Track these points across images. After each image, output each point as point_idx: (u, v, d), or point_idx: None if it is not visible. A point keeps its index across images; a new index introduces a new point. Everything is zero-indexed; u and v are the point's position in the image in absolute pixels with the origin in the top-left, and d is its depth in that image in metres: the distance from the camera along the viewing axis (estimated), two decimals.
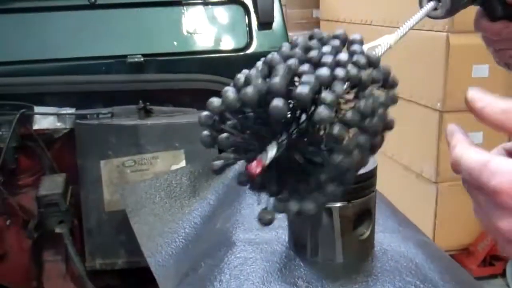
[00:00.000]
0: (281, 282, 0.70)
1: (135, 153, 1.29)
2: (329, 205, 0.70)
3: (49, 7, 1.44)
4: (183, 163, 1.28)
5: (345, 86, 0.46)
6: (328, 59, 0.47)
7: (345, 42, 0.52)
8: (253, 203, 0.96)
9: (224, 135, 0.49)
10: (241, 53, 1.49)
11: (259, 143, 0.48)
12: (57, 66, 1.42)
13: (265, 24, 1.49)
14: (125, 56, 1.41)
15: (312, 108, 0.45)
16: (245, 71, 0.49)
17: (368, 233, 0.73)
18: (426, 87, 2.67)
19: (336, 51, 0.49)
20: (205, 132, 0.49)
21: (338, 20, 3.67)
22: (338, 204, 0.70)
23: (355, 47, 0.50)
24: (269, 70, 0.48)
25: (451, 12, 0.69)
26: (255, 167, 0.46)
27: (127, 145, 1.29)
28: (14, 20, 1.43)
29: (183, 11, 1.51)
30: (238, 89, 0.48)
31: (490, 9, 0.74)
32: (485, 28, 0.73)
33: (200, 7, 1.51)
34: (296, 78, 0.47)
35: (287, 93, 0.45)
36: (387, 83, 0.51)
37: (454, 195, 2.63)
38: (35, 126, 1.38)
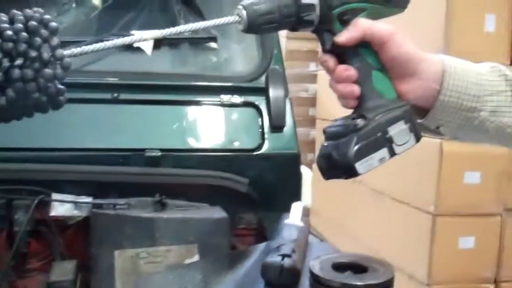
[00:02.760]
0: None
1: (150, 245, 1.33)
2: None
3: (74, 99, 1.51)
4: (196, 258, 1.32)
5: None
6: (9, 33, 0.70)
7: (46, 26, 0.73)
8: None
9: None
10: (253, 153, 1.57)
11: None
12: (77, 155, 1.48)
13: (277, 127, 1.58)
14: (143, 150, 1.48)
15: None
16: None
17: None
18: (419, 187, 2.74)
19: (24, 30, 0.71)
20: None
21: (333, 119, 3.79)
22: None
23: (43, 31, 0.72)
24: None
25: (250, 30, 0.76)
26: None
27: (142, 236, 1.33)
28: None
29: (200, 111, 1.60)
30: None
31: (321, 40, 0.81)
32: (318, 58, 0.83)
33: (217, 107, 1.60)
34: None
35: None
36: (62, 65, 0.73)
37: None
38: (52, 213, 1.42)
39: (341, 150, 0.77)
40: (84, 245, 1.44)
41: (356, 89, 0.79)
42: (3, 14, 0.74)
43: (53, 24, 0.75)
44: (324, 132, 0.82)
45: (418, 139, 0.80)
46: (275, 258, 1.07)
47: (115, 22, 1.73)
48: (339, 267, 0.83)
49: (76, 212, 1.43)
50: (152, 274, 1.23)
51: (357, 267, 0.83)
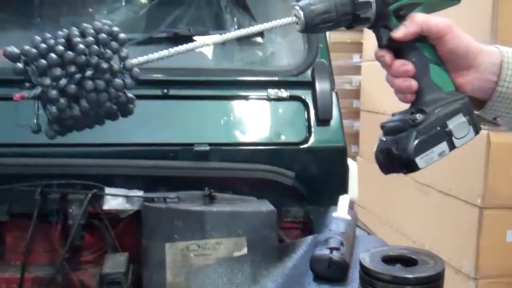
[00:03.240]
0: None
1: (199, 238, 1.35)
2: None
3: None
4: (245, 250, 1.34)
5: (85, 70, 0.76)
6: (82, 46, 0.75)
7: (115, 38, 0.79)
8: None
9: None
10: (300, 147, 1.58)
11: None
12: (128, 150, 1.52)
13: (324, 120, 1.59)
14: (192, 145, 1.51)
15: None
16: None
17: None
18: (466, 180, 2.71)
19: (95, 43, 0.77)
20: (18, 65, 0.75)
21: (378, 111, 3.77)
22: None
23: (113, 43, 0.78)
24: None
25: (307, 30, 0.77)
26: (16, 97, 0.74)
27: (192, 229, 1.36)
28: None
29: (247, 105, 1.62)
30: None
31: (377, 36, 0.82)
32: (374, 53, 0.82)
33: (264, 101, 1.62)
34: None
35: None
36: (131, 75, 0.79)
37: None
38: (105, 206, 1.46)
39: (400, 145, 0.78)
40: (136, 238, 1.48)
41: (413, 83, 0.80)
42: (74, 28, 0.78)
43: (122, 36, 0.79)
44: (382, 127, 0.84)
45: (477, 131, 0.80)
46: (323, 251, 1.08)
47: (163, 19, 1.76)
48: (389, 260, 0.84)
49: (127, 206, 1.47)
50: (202, 267, 1.25)
51: (407, 260, 0.83)
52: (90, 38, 0.77)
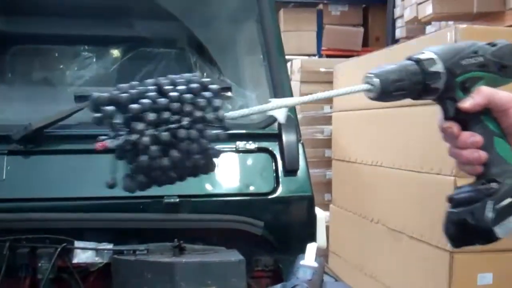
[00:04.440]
0: None
1: None
2: None
3: (91, 149, 1.58)
4: None
5: (175, 116, 0.73)
6: (174, 94, 0.74)
7: (205, 88, 0.77)
8: None
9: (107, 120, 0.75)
10: (268, 197, 1.61)
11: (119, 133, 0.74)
12: (97, 204, 1.53)
13: (291, 171, 1.63)
14: (161, 197, 1.53)
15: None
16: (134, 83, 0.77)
17: None
18: (436, 225, 2.74)
19: (187, 92, 0.75)
20: (97, 115, 0.75)
21: (349, 160, 3.82)
22: None
23: (206, 93, 0.76)
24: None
25: (382, 97, 0.79)
26: (99, 146, 0.75)
27: (162, 281, 1.37)
28: (63, 161, 1.58)
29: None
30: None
31: (443, 108, 0.84)
32: (439, 125, 0.84)
33: (233, 153, 1.65)
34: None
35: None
36: (222, 125, 0.76)
37: None
38: (75, 260, 1.46)
39: (476, 215, 0.79)
40: None
41: (483, 154, 0.81)
42: (162, 78, 0.77)
43: (214, 86, 0.77)
44: (451, 199, 0.85)
45: None
46: None
47: (133, 74, 1.80)
48: None
49: (97, 259, 1.47)
50: None
51: None
52: (182, 87, 0.75)
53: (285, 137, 1.65)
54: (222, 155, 1.62)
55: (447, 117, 0.83)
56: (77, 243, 1.47)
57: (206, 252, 1.48)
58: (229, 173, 1.64)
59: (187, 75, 0.78)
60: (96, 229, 1.51)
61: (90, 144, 1.56)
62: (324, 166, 4.29)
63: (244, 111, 0.77)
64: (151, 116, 0.71)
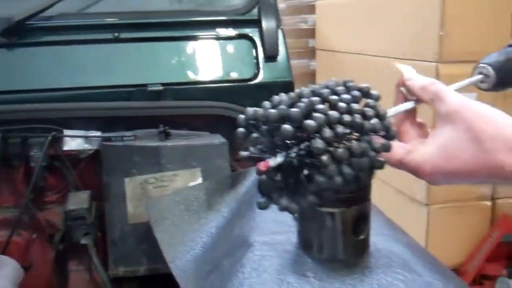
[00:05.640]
0: (293, 273, 0.84)
1: (157, 171, 1.44)
2: (332, 210, 0.84)
3: (78, 40, 1.60)
4: (200, 180, 1.43)
5: (347, 130, 0.65)
6: (342, 105, 0.65)
7: (366, 94, 0.70)
8: (265, 213, 1.09)
9: (254, 135, 0.68)
10: (249, 83, 1.66)
11: (274, 149, 0.67)
12: (84, 93, 1.57)
13: (271, 57, 1.66)
14: (145, 85, 1.57)
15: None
16: (283, 94, 0.69)
17: (365, 234, 0.87)
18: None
19: (353, 101, 0.67)
20: (240, 129, 0.69)
21: (333, 49, 3.83)
22: (340, 209, 0.84)
23: (370, 101, 0.69)
24: (297, 100, 0.67)
25: (497, 87, 0.76)
26: (262, 166, 0.65)
27: (149, 164, 1.44)
28: (47, 52, 1.59)
29: (197, 45, 1.68)
30: (268, 108, 0.66)
31: None
32: None
33: (213, 41, 1.68)
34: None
35: (302, 119, 0.64)
36: (388, 134, 0.69)
37: (445, 217, 2.77)
38: (65, 147, 1.52)
39: None
40: (96, 176, 1.55)
41: None
42: (318, 86, 0.70)
43: (375, 92, 0.71)
44: None
45: None
46: None
47: None
48: None
49: (87, 146, 1.53)
50: (160, 197, 1.34)
51: None
52: (346, 96, 0.68)
53: (264, 23, 1.67)
54: (202, 42, 1.68)
55: None
56: (67, 132, 1.53)
57: (191, 136, 1.54)
58: (210, 60, 1.67)
59: (338, 79, 0.71)
60: (85, 118, 1.56)
61: (73, 35, 1.61)
62: (308, 56, 4.28)
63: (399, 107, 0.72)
64: (327, 132, 0.63)
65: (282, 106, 0.65)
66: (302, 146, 0.65)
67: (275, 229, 1.00)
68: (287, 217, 1.04)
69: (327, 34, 3.98)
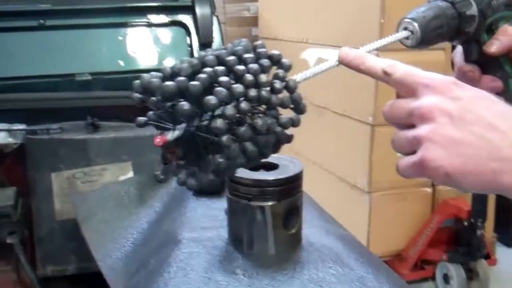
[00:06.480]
0: (222, 271, 0.80)
1: (85, 165, 1.37)
2: (262, 203, 0.81)
3: (0, 27, 1.52)
4: (130, 174, 1.37)
5: (252, 105, 0.58)
6: (249, 77, 0.58)
7: (276, 63, 0.63)
8: (196, 207, 1.06)
9: (153, 98, 0.62)
10: None
11: (174, 123, 0.61)
12: (8, 84, 1.50)
13: (206, 44, 1.61)
14: (73, 75, 1.50)
15: (216, 114, 0.57)
16: (185, 59, 0.60)
17: (296, 228, 0.84)
18: (358, 100, 2.82)
19: (260, 71, 0.60)
20: (136, 95, 0.63)
21: (276, 38, 3.81)
22: (270, 203, 0.81)
23: (279, 71, 0.62)
24: (200, 68, 0.59)
25: (421, 44, 0.72)
26: (159, 140, 0.60)
27: (77, 158, 1.38)
28: None
29: (128, 32, 1.61)
30: (163, 78, 0.59)
31: (466, 51, 0.79)
32: (457, 65, 0.80)
33: (145, 28, 1.62)
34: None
35: (203, 94, 0.57)
36: (297, 108, 0.62)
37: (386, 204, 2.79)
38: None
39: None
40: (22, 171, 1.48)
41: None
42: (223, 50, 0.61)
43: (286, 61, 0.63)
44: None
45: None
46: None
47: None
48: (254, 168, 0.89)
49: (11, 140, 1.46)
50: (88, 192, 1.28)
51: (271, 166, 0.89)
52: (254, 66, 0.59)
53: (198, 10, 1.61)
54: (134, 29, 1.62)
55: (468, 60, 0.79)
56: None
57: (121, 128, 1.48)
58: (142, 48, 1.61)
59: (244, 42, 0.62)
60: (8, 110, 1.49)
61: (2, 23, 1.52)
62: None
63: (311, 71, 0.64)
64: (230, 110, 0.56)
65: (181, 78, 0.57)
66: (203, 118, 0.59)
67: (205, 224, 0.97)
68: (218, 212, 1.01)
69: (270, 22, 3.96)
